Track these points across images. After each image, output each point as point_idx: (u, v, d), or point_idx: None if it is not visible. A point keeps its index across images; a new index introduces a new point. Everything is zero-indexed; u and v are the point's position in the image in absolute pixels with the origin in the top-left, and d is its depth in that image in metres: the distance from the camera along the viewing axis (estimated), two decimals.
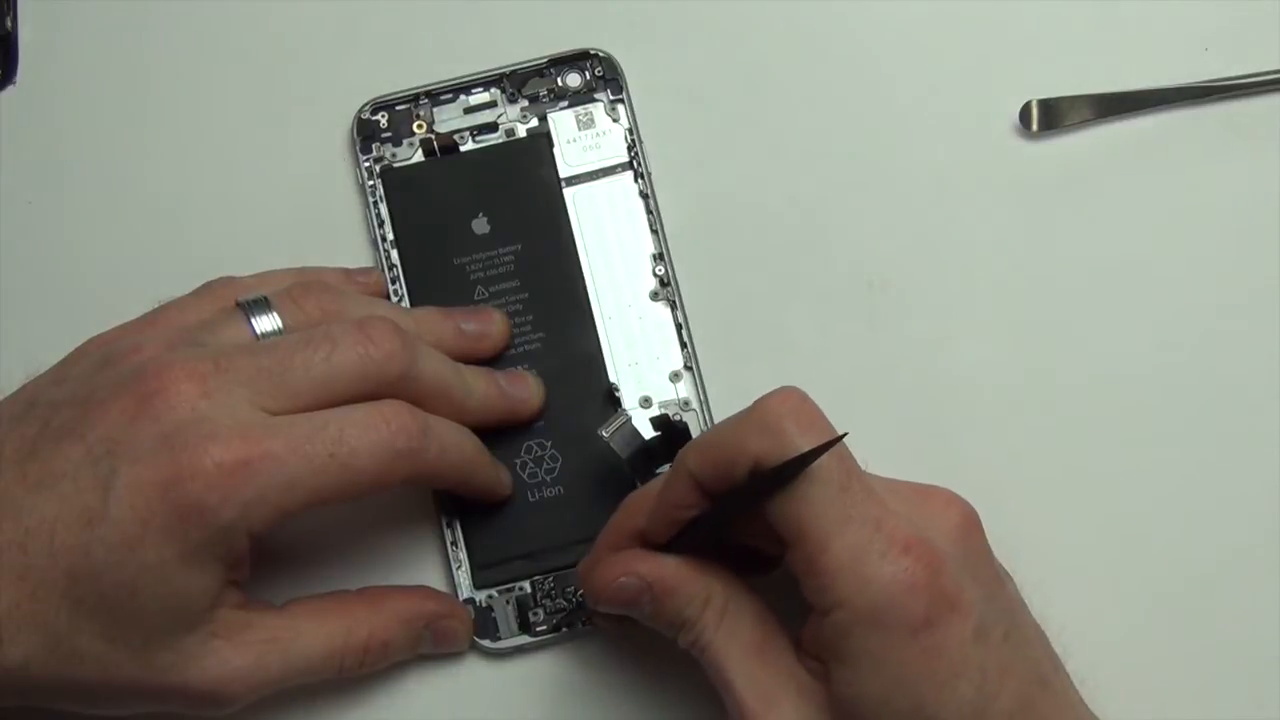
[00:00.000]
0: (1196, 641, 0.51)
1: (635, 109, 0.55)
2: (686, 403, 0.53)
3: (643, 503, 0.47)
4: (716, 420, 0.52)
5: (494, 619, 0.51)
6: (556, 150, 0.55)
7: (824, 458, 0.42)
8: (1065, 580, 0.51)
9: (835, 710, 0.43)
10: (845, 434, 0.43)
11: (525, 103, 0.56)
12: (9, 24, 0.58)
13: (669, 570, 0.46)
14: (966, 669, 0.42)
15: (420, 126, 0.55)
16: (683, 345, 0.53)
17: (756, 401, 0.44)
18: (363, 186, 0.55)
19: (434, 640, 0.51)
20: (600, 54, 0.56)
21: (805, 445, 0.42)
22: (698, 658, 0.46)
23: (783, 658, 0.45)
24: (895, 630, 0.42)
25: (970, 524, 0.45)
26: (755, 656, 0.45)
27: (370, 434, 0.46)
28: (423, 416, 0.47)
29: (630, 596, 0.46)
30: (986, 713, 0.42)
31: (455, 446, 0.49)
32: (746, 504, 0.44)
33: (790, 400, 0.44)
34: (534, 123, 0.56)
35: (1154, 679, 0.51)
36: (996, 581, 0.45)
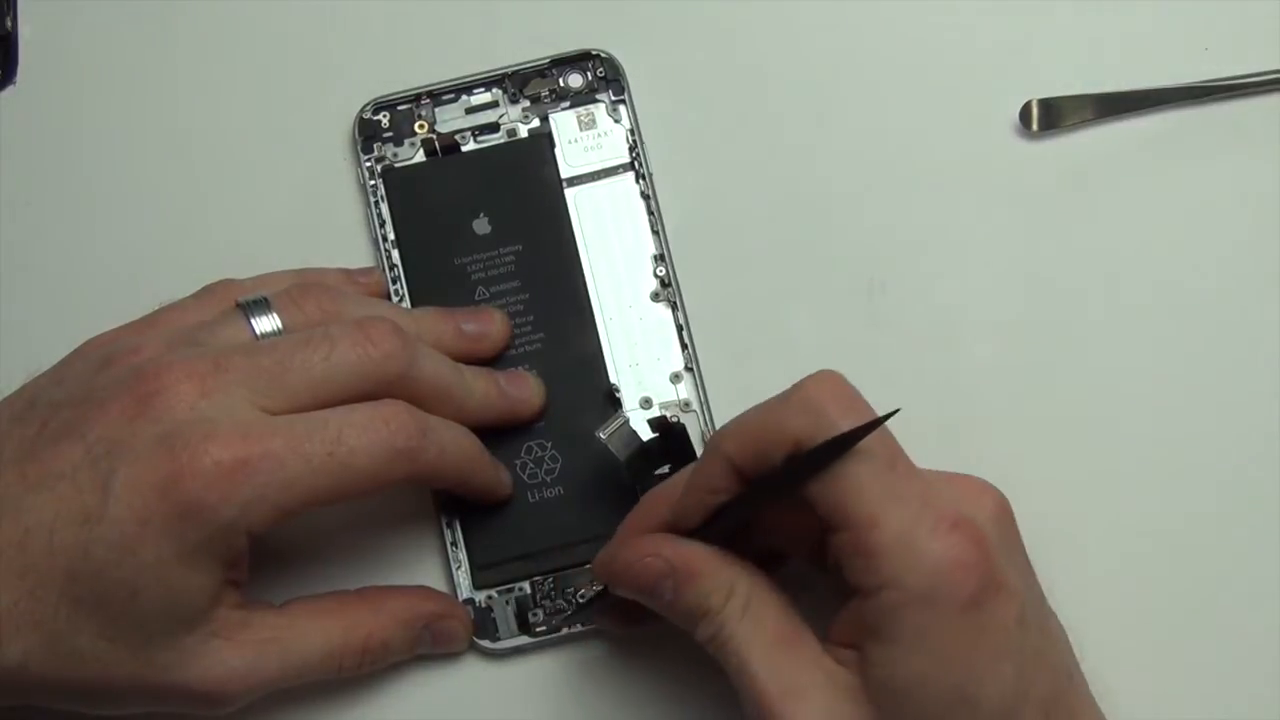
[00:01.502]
0: (1201, 640, 0.51)
1: (637, 110, 0.55)
2: (687, 404, 0.53)
3: (667, 495, 0.46)
4: (717, 421, 0.53)
5: (493, 619, 0.51)
6: (558, 150, 0.55)
7: (870, 436, 0.42)
8: (1065, 581, 0.51)
9: (868, 696, 0.43)
10: (896, 410, 0.42)
11: (527, 103, 0.56)
12: (9, 24, 0.58)
13: (695, 554, 0.45)
14: (1009, 651, 0.42)
15: (422, 126, 0.55)
16: (683, 346, 0.53)
17: (795, 385, 0.44)
18: (364, 186, 0.55)
19: (433, 640, 0.51)
20: (602, 54, 0.56)
21: (847, 426, 0.42)
22: (716, 652, 0.45)
23: (808, 650, 0.44)
24: (944, 608, 0.41)
25: (1005, 510, 0.45)
26: (780, 648, 0.44)
27: (369, 433, 0.46)
28: (422, 416, 0.47)
29: (653, 579, 0.45)
30: (1025, 697, 0.42)
31: (455, 446, 0.48)
32: (786, 487, 0.43)
33: (830, 382, 0.44)
34: (535, 123, 0.55)
35: (1161, 678, 0.51)
36: (1030, 571, 0.45)
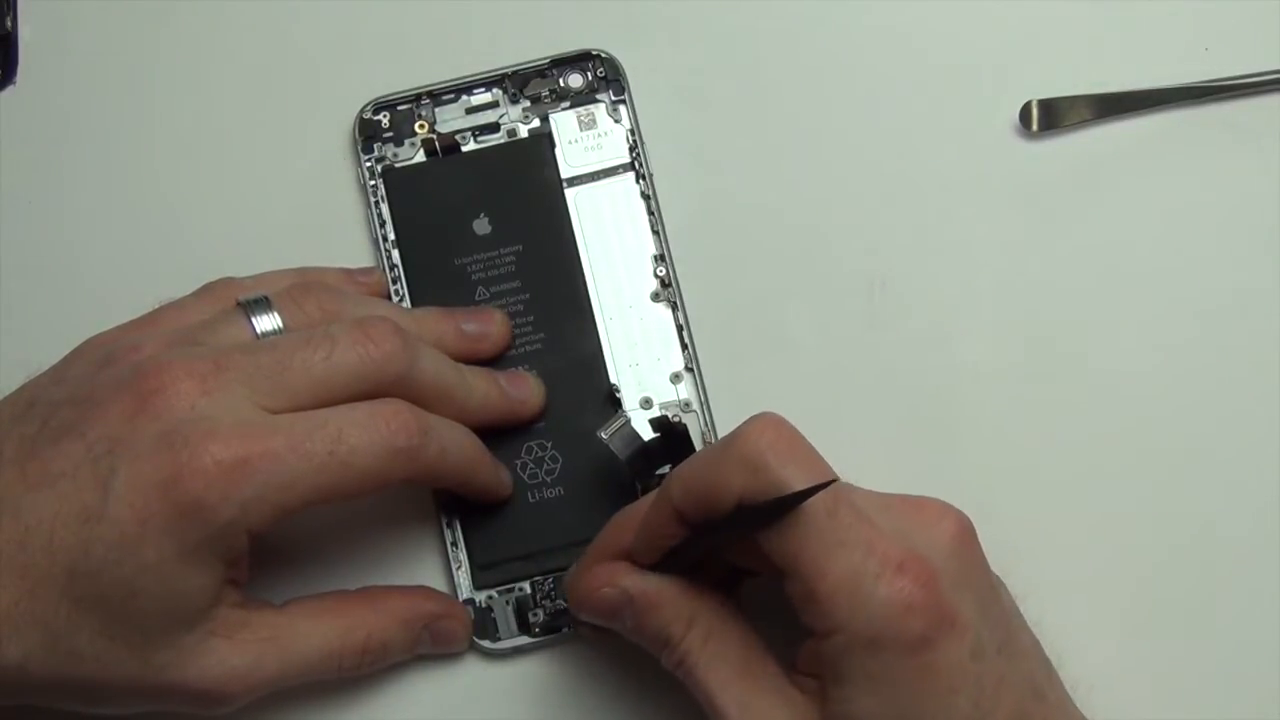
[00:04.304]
0: (1195, 647, 0.51)
1: (637, 110, 0.55)
2: (687, 404, 0.53)
3: (631, 520, 0.47)
4: (717, 421, 0.53)
5: (493, 619, 0.51)
6: (558, 151, 0.55)
7: (808, 479, 0.42)
8: (1065, 580, 0.51)
9: None
10: (834, 480, 0.42)
11: (527, 103, 0.56)
12: (9, 24, 0.58)
13: (652, 586, 0.46)
14: (964, 685, 0.42)
15: (422, 126, 0.55)
16: (684, 346, 0.53)
17: (735, 432, 0.44)
18: (364, 186, 0.55)
19: (433, 640, 0.51)
20: (602, 55, 0.56)
21: (789, 477, 0.42)
22: (683, 679, 0.46)
23: (772, 680, 0.45)
24: (893, 650, 0.42)
25: (965, 535, 0.44)
26: (743, 679, 0.45)
27: (370, 432, 0.45)
28: (423, 416, 0.47)
29: (611, 608, 0.46)
30: None
31: (455, 446, 0.48)
32: (731, 537, 0.44)
33: (769, 430, 0.43)
34: (536, 123, 0.56)
35: (1150, 685, 0.51)
36: (991, 593, 0.45)
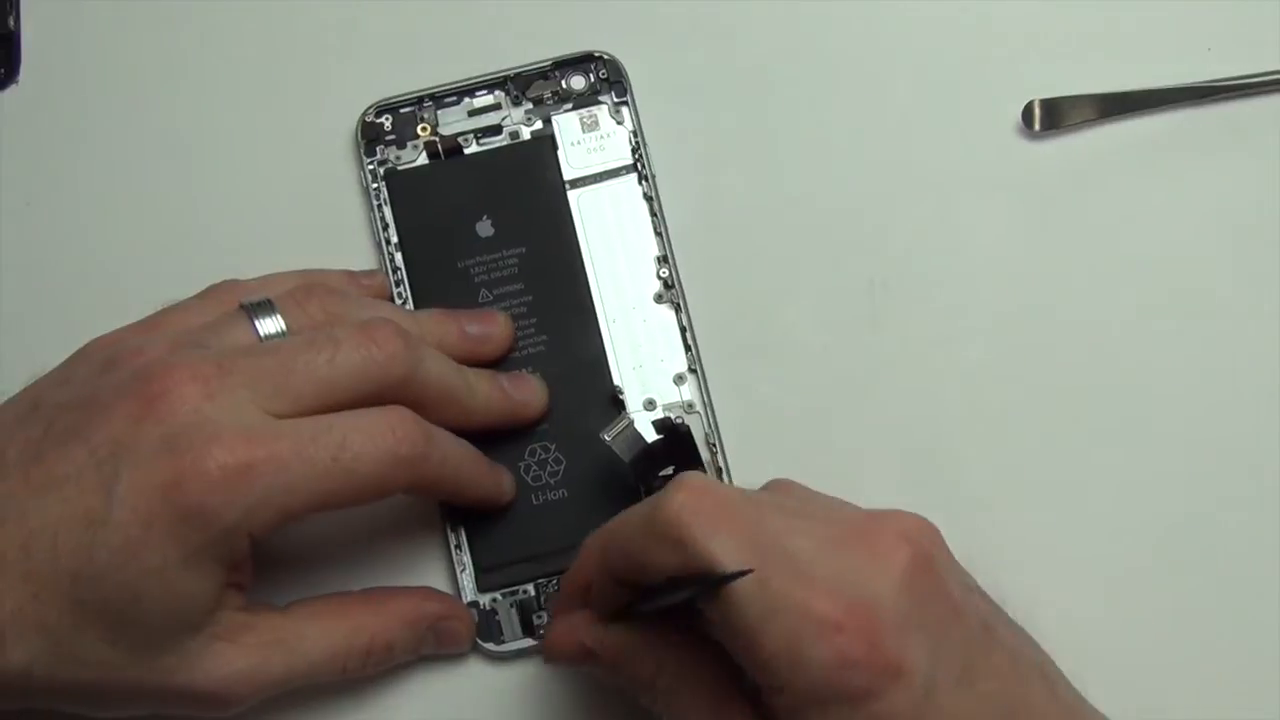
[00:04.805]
0: (1195, 647, 0.51)
1: (639, 111, 0.55)
2: (691, 405, 0.53)
3: (602, 543, 0.46)
4: (721, 422, 0.53)
5: (497, 622, 0.51)
6: (561, 153, 0.55)
7: (733, 561, 0.41)
8: (1063, 581, 0.51)
9: None
10: (748, 571, 0.41)
11: (529, 105, 0.56)
12: (11, 23, 0.58)
13: (613, 639, 0.46)
14: None
15: (424, 129, 0.55)
16: (687, 348, 0.53)
17: (657, 502, 0.43)
18: (367, 189, 0.55)
19: (436, 642, 0.51)
20: (604, 56, 0.56)
21: (716, 551, 0.41)
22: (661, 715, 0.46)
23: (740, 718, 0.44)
24: (839, 705, 0.41)
25: (918, 565, 0.43)
26: (715, 717, 0.45)
27: (374, 439, 0.45)
28: (427, 425, 0.47)
29: (577, 661, 0.47)
30: None
31: (456, 457, 0.49)
32: (670, 603, 0.43)
33: (689, 498, 0.42)
34: (538, 125, 0.55)
35: (1150, 686, 0.51)
36: (951, 619, 0.43)
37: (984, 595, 0.46)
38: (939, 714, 0.42)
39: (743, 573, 0.41)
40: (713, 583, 0.41)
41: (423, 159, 0.55)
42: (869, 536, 0.43)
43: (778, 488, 0.48)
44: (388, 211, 0.55)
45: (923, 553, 0.43)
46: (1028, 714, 0.43)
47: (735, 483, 0.52)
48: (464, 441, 0.49)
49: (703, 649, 0.45)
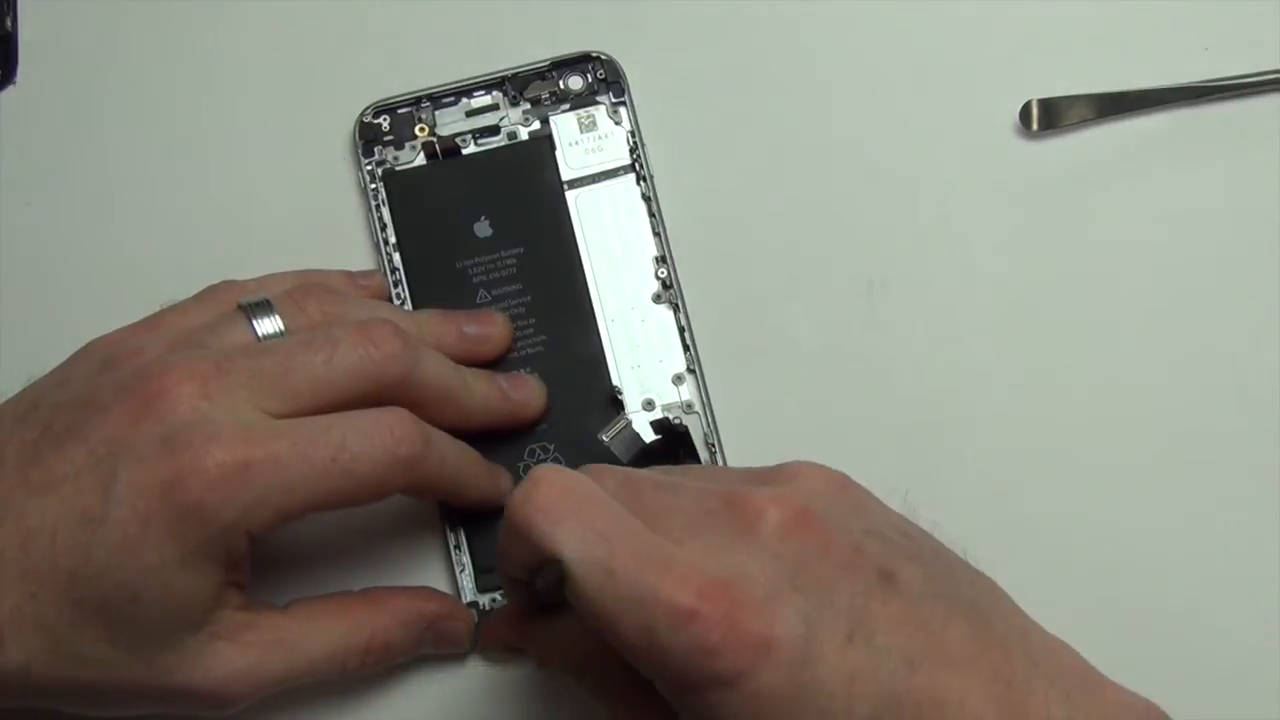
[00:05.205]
0: (1196, 648, 0.52)
1: (637, 111, 0.55)
2: (689, 405, 0.53)
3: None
4: (720, 422, 0.53)
5: None
6: (558, 153, 0.55)
7: (576, 552, 0.40)
8: (1063, 579, 0.52)
9: None
10: (559, 561, 0.40)
11: (527, 105, 0.56)
12: (9, 24, 0.58)
13: (536, 635, 0.46)
14: (803, 699, 0.39)
15: (422, 129, 0.55)
16: (685, 348, 0.53)
17: (509, 507, 0.42)
18: (365, 189, 0.55)
19: (435, 641, 0.51)
20: (602, 56, 0.56)
21: (558, 540, 0.40)
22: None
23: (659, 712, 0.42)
24: (713, 690, 0.39)
25: (791, 522, 0.41)
26: (630, 712, 0.44)
27: (373, 440, 0.45)
28: (425, 427, 0.47)
29: (511, 656, 0.49)
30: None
31: (454, 458, 0.49)
32: (544, 599, 0.42)
33: (532, 491, 0.41)
34: (536, 125, 0.56)
35: (1150, 684, 0.51)
36: (837, 574, 0.40)
37: (899, 533, 0.43)
38: (827, 678, 0.39)
39: (554, 561, 0.40)
40: (541, 577, 0.40)
41: (421, 159, 0.55)
42: (739, 503, 0.41)
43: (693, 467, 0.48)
44: (386, 212, 0.55)
45: (800, 509, 0.41)
46: (938, 659, 0.40)
47: None
48: (462, 443, 0.50)
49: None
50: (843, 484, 0.43)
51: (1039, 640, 0.42)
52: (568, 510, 0.41)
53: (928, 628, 0.40)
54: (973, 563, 0.44)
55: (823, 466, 0.44)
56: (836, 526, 0.41)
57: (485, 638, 0.49)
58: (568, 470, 0.42)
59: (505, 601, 0.50)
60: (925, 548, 0.43)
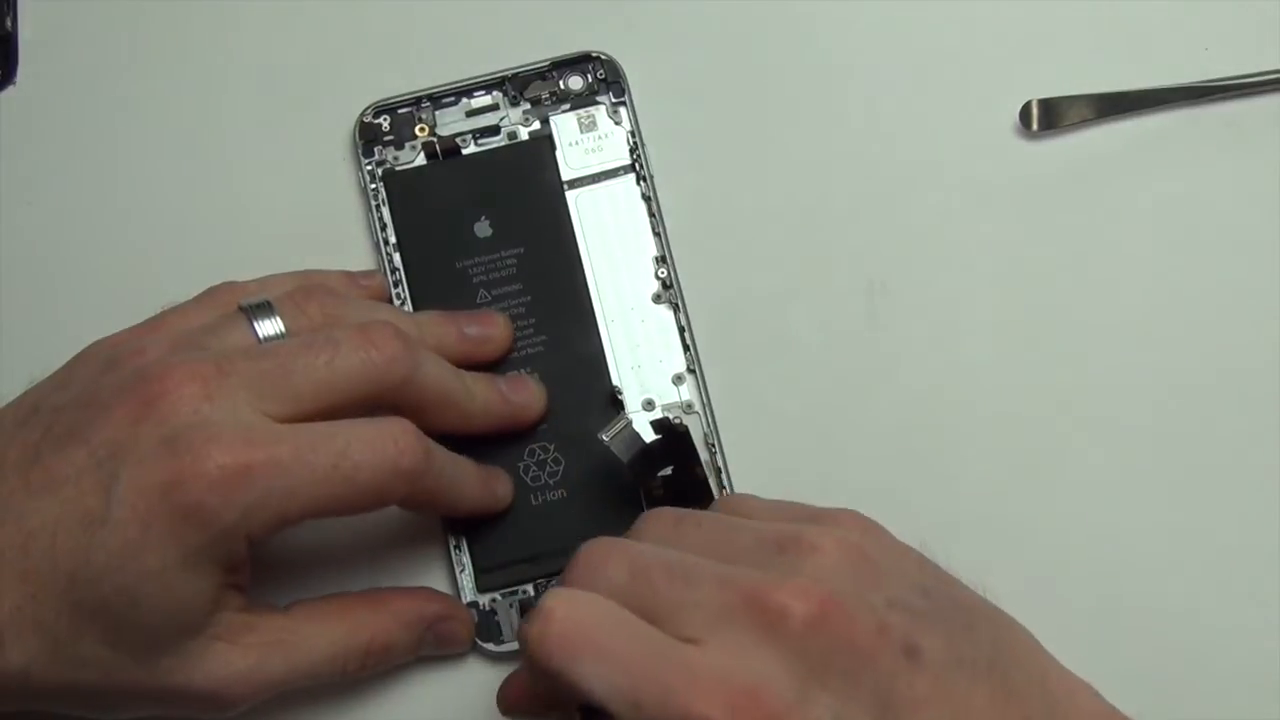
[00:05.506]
0: (1197, 651, 0.52)
1: (637, 111, 0.55)
2: (690, 405, 0.53)
3: None
4: (720, 422, 0.53)
5: (497, 622, 0.51)
6: (559, 153, 0.55)
7: (599, 689, 0.39)
8: (1063, 579, 0.52)
9: None
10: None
11: (527, 105, 0.56)
12: (9, 24, 0.58)
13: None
14: None
15: (422, 130, 0.55)
16: (685, 348, 0.53)
17: (524, 644, 0.41)
18: (365, 190, 0.55)
19: (436, 642, 0.51)
20: (602, 56, 0.56)
21: (580, 678, 0.39)
22: None
23: None
24: None
25: (814, 619, 0.40)
26: None
27: (376, 450, 0.45)
28: (427, 440, 0.47)
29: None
30: None
31: (453, 472, 0.49)
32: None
33: (546, 628, 0.40)
34: (536, 125, 0.55)
35: (1151, 683, 0.51)
36: (862, 664, 0.40)
37: (918, 593, 0.42)
38: None
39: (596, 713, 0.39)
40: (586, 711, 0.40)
41: (421, 159, 0.55)
42: (764, 596, 0.40)
43: (724, 504, 0.47)
44: (386, 212, 0.55)
45: (823, 600, 0.40)
46: None
47: (735, 483, 0.52)
48: (460, 456, 0.50)
49: None
50: (862, 551, 0.42)
51: (1057, 683, 0.42)
52: (582, 643, 0.40)
53: (952, 700, 0.40)
54: (989, 595, 0.44)
55: (840, 534, 0.42)
56: (860, 607, 0.41)
57: (502, 699, 0.49)
58: (577, 595, 0.41)
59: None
60: (944, 604, 0.43)
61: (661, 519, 0.45)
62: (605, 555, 0.42)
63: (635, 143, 0.55)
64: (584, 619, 0.40)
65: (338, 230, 0.55)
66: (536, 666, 0.40)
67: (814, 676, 0.39)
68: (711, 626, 0.40)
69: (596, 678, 0.39)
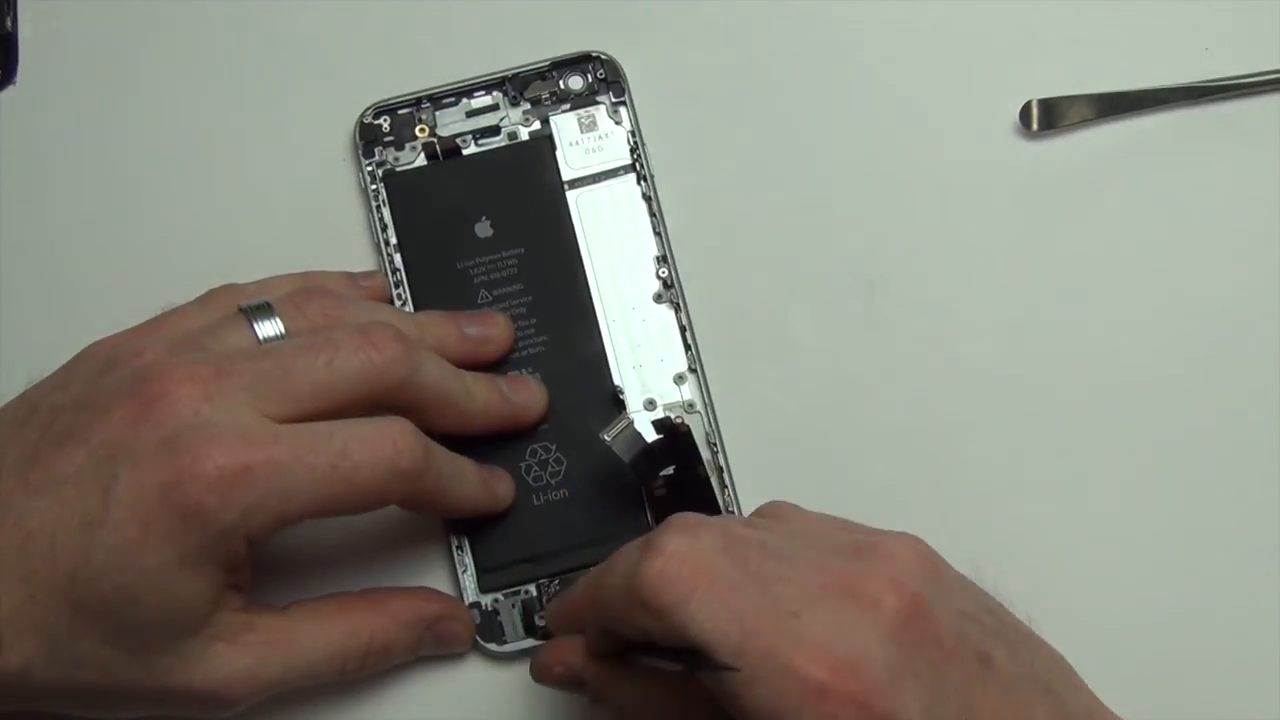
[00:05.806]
0: (1198, 652, 0.52)
1: (637, 111, 0.55)
2: (691, 404, 0.53)
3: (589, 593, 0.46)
4: (721, 422, 0.53)
5: (499, 622, 0.51)
6: (559, 153, 0.55)
7: (709, 632, 0.40)
8: (1065, 580, 0.52)
9: None
10: (735, 669, 0.40)
11: (527, 105, 0.56)
12: (9, 24, 0.58)
13: (606, 677, 0.46)
14: None
15: (423, 130, 0.55)
16: (686, 347, 0.53)
17: (635, 566, 0.41)
18: (365, 190, 0.55)
19: (435, 642, 0.51)
20: (602, 56, 0.56)
21: (692, 618, 0.40)
22: None
23: None
24: None
25: (907, 610, 0.41)
26: None
27: (375, 450, 0.45)
28: (426, 441, 0.47)
29: (567, 685, 0.47)
30: None
31: (452, 474, 0.49)
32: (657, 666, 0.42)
33: (667, 565, 0.41)
34: (536, 125, 0.55)
35: (1153, 684, 0.51)
36: (946, 661, 0.41)
37: (985, 611, 0.44)
38: None
39: (728, 667, 0.40)
40: (695, 668, 0.40)
41: (421, 160, 0.55)
42: (857, 583, 0.42)
43: (771, 513, 0.47)
44: (386, 213, 0.55)
45: (913, 596, 0.41)
46: None
47: (737, 482, 0.52)
48: (460, 457, 0.50)
49: (693, 694, 0.43)
50: (935, 566, 0.43)
51: (1104, 717, 0.44)
52: (702, 586, 0.41)
53: (1019, 710, 0.42)
54: (1036, 629, 0.45)
55: (912, 544, 0.43)
56: (943, 611, 0.42)
57: (546, 665, 0.48)
58: (687, 535, 0.41)
59: (555, 622, 0.49)
60: (1006, 625, 0.44)
61: (729, 518, 0.45)
62: (699, 524, 0.43)
63: (635, 142, 0.55)
64: (696, 560, 0.41)
65: (338, 231, 0.55)
66: (645, 604, 0.41)
67: (906, 664, 0.40)
68: (808, 602, 0.41)
69: (709, 619, 0.40)
